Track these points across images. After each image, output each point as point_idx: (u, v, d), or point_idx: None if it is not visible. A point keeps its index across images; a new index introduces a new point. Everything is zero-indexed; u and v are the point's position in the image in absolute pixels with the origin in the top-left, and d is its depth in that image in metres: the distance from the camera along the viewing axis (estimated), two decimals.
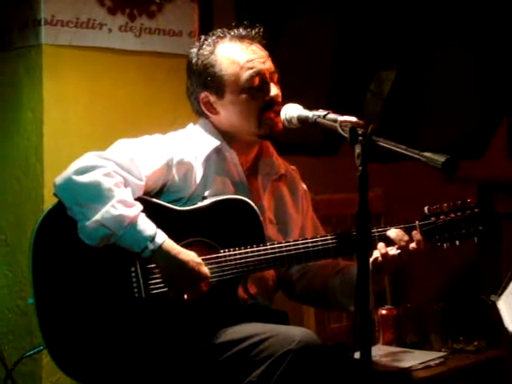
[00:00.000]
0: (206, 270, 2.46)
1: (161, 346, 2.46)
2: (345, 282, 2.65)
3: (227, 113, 2.63)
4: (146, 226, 2.41)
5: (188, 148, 2.61)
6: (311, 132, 3.37)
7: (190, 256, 2.45)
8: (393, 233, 2.53)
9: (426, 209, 2.60)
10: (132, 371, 2.46)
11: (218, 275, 2.49)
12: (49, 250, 2.46)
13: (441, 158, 1.98)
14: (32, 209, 3.20)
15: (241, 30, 2.65)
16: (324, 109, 2.47)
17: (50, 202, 2.56)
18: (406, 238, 2.52)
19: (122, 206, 2.39)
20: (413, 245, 2.51)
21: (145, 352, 2.45)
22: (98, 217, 2.37)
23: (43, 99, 3.16)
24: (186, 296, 2.47)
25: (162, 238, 2.42)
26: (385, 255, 2.49)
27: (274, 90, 2.62)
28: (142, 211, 2.43)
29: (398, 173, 4.23)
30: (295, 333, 2.34)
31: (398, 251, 2.50)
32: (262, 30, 2.66)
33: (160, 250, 2.41)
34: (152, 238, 2.40)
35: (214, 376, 2.43)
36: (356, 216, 2.03)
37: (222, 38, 2.65)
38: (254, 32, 2.65)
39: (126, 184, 2.46)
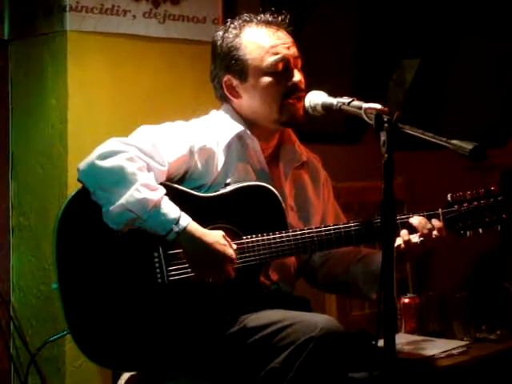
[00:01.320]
0: (231, 251, 2.46)
1: (183, 332, 2.47)
2: (367, 270, 2.65)
3: (249, 97, 2.64)
4: (170, 209, 2.41)
5: (210, 134, 2.61)
6: (334, 120, 3.36)
7: (215, 237, 2.45)
8: (415, 220, 2.52)
9: (449, 196, 2.59)
10: (154, 356, 2.47)
11: (241, 261, 2.49)
12: (73, 235, 2.47)
13: (469, 146, 1.96)
14: (56, 195, 3.21)
15: (267, 15, 2.66)
16: (347, 96, 2.46)
17: (73, 187, 2.58)
18: (429, 225, 2.52)
19: (146, 189, 2.40)
20: (435, 232, 2.51)
21: (167, 337, 2.47)
22: (122, 201, 2.38)
23: (67, 85, 3.17)
24: (211, 279, 2.47)
25: (186, 220, 2.42)
26: (407, 242, 2.49)
27: (298, 76, 2.62)
28: (166, 195, 2.44)
29: (420, 161, 4.21)
30: (318, 320, 2.35)
31: (421, 239, 2.50)
32: (288, 16, 2.66)
33: (185, 233, 2.41)
34: (176, 221, 2.40)
35: (237, 362, 2.44)
36: (381, 203, 2.02)
37: (248, 22, 2.65)
38: (280, 18, 2.66)
39: (149, 169, 2.47)
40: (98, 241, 2.47)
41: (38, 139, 3.30)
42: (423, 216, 2.55)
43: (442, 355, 3.11)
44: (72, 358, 3.18)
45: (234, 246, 2.48)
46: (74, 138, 3.19)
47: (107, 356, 2.47)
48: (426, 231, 2.50)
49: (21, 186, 3.37)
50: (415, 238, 2.51)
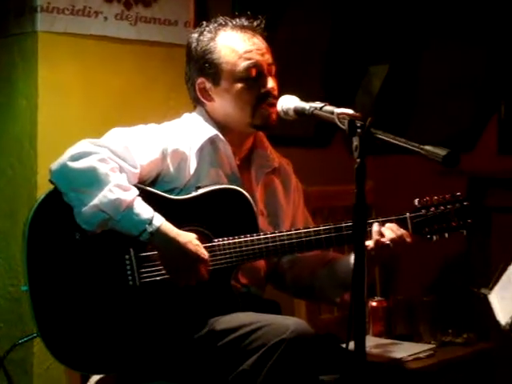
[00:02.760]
0: (204, 251, 2.47)
1: (154, 334, 2.47)
2: (332, 273, 2.68)
3: (222, 101, 2.64)
4: (143, 210, 2.42)
5: (182, 138, 2.62)
6: (303, 124, 3.38)
7: (188, 237, 2.46)
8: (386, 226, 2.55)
9: (416, 201, 2.62)
10: (124, 359, 2.47)
11: (212, 264, 2.50)
12: (43, 237, 2.46)
13: (442, 152, 1.98)
14: (25, 196, 3.20)
15: (243, 20, 2.67)
16: (318, 101, 2.48)
17: (43, 189, 2.57)
18: (396, 228, 2.54)
19: (119, 189, 2.40)
20: (400, 237, 2.53)
21: (138, 340, 2.47)
22: (95, 201, 2.38)
23: (38, 86, 3.16)
24: (185, 280, 2.47)
25: (159, 220, 2.42)
26: (377, 241, 2.50)
27: (271, 83, 2.64)
28: (138, 196, 2.44)
29: (388, 166, 4.25)
30: (288, 322, 2.36)
31: (388, 242, 2.52)
32: (263, 21, 2.67)
33: (158, 232, 2.41)
34: (150, 221, 2.40)
35: (208, 364, 2.44)
36: (353, 208, 2.04)
37: (223, 26, 2.66)
38: (255, 23, 2.67)
39: (121, 171, 2.47)
40: (69, 243, 2.46)
41: (7, 140, 3.28)
42: (391, 220, 2.58)
43: (410, 358, 3.14)
44: (40, 361, 3.16)
45: (205, 251, 2.48)
46: (43, 139, 3.17)
47: (77, 358, 2.46)
48: (393, 235, 2.53)
49: None
50: (384, 239, 2.53)
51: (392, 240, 2.51)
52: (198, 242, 2.46)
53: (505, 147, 5.07)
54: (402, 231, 2.54)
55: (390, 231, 2.52)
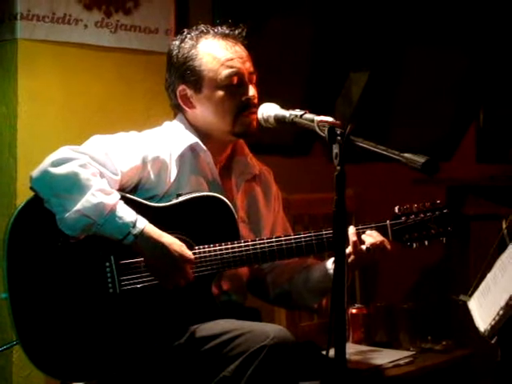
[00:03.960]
0: (189, 252, 2.48)
1: (134, 342, 2.47)
2: (309, 279, 2.70)
3: (203, 108, 2.65)
4: (127, 212, 2.42)
5: (163, 145, 2.62)
6: (282, 132, 3.39)
7: (172, 239, 2.47)
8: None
9: (396, 209, 2.64)
10: (105, 367, 2.47)
11: (193, 271, 2.50)
12: (23, 245, 2.46)
13: (421, 159, 2.00)
14: (5, 204, 3.18)
15: (224, 28, 2.68)
16: (298, 109, 2.49)
17: (22, 197, 2.56)
18: (376, 235, 2.56)
19: (102, 194, 2.40)
20: (380, 243, 2.55)
21: (118, 347, 2.46)
22: (78, 207, 2.38)
23: (17, 94, 3.14)
24: (172, 281, 2.47)
25: (143, 223, 2.43)
26: (355, 244, 2.52)
27: (252, 91, 2.65)
28: (120, 199, 2.44)
29: (368, 174, 4.27)
30: (269, 329, 2.37)
31: (369, 247, 2.54)
32: (245, 30, 2.68)
33: (142, 235, 2.42)
34: (133, 224, 2.41)
35: (189, 371, 2.44)
36: (333, 215, 2.05)
37: (205, 33, 2.67)
38: (237, 31, 2.68)
39: (102, 177, 2.47)
40: (49, 250, 2.46)
41: None
42: (371, 227, 2.59)
43: (390, 365, 3.15)
44: (19, 368, 3.14)
45: (190, 252, 2.48)
46: (23, 147, 3.16)
47: (57, 366, 2.46)
48: (374, 241, 2.54)
49: None
50: (363, 246, 2.55)
51: (372, 246, 2.53)
52: (181, 243, 2.47)
53: (483, 155, 5.11)
54: (381, 238, 2.55)
55: (370, 238, 2.54)
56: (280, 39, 4.03)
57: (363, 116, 4.47)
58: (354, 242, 2.52)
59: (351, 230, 2.55)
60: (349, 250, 2.52)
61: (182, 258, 2.45)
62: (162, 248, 2.44)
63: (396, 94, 4.66)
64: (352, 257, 2.52)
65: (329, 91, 4.37)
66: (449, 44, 4.72)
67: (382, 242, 2.54)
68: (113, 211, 2.40)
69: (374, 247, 2.53)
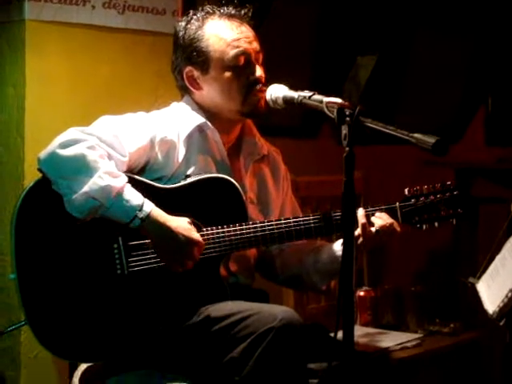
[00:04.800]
0: (197, 234, 2.47)
1: (143, 323, 2.47)
2: (318, 260, 2.70)
3: (210, 89, 2.64)
4: (134, 196, 2.41)
5: (171, 126, 2.61)
6: (291, 114, 3.38)
7: (179, 221, 2.46)
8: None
9: (406, 190, 2.63)
10: (113, 348, 2.47)
11: (201, 253, 2.50)
12: (32, 226, 2.46)
13: (431, 140, 1.98)
14: (12, 184, 3.18)
15: (230, 8, 2.66)
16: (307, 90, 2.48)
17: (30, 177, 2.57)
18: (386, 218, 2.55)
19: (109, 176, 2.39)
20: (390, 226, 2.54)
21: (126, 328, 2.46)
22: (85, 189, 2.37)
23: (25, 74, 3.14)
24: (180, 264, 2.46)
25: (149, 206, 2.42)
26: (364, 226, 2.51)
27: (259, 71, 2.64)
28: (128, 182, 2.44)
29: (377, 155, 4.26)
30: (277, 311, 2.37)
31: (377, 229, 2.53)
32: (251, 10, 2.67)
33: (149, 218, 2.41)
34: (140, 207, 2.40)
35: (197, 352, 2.44)
36: (342, 197, 2.04)
37: (211, 14, 2.66)
38: (243, 11, 2.66)
39: (110, 158, 2.46)
40: (57, 231, 2.45)
41: None
42: (381, 209, 2.59)
43: (397, 348, 3.16)
44: (27, 349, 3.15)
45: (197, 234, 2.47)
46: (31, 127, 3.16)
47: (66, 347, 2.46)
48: (383, 223, 2.54)
49: None
50: (372, 228, 2.54)
51: (381, 228, 2.52)
52: (189, 226, 2.46)
53: (492, 138, 5.09)
54: (391, 220, 2.55)
55: (379, 220, 2.54)
56: (287, 21, 4.01)
57: (370, 99, 4.46)
58: (363, 225, 2.51)
59: (360, 212, 2.54)
60: (358, 232, 2.51)
61: (188, 240, 2.45)
62: (169, 231, 2.43)
63: (404, 77, 4.65)
64: (361, 239, 2.52)
65: (336, 74, 4.36)
66: (457, 28, 4.70)
67: (391, 225, 2.54)
68: (120, 194, 2.39)
69: (384, 229, 2.52)
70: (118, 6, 3.34)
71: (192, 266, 2.47)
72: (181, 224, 2.46)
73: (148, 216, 2.41)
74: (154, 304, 2.48)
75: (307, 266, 2.72)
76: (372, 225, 2.54)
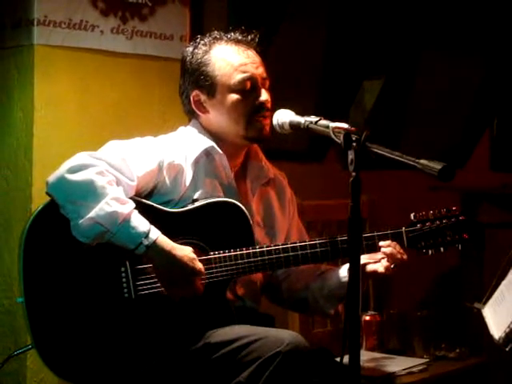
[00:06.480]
0: (200, 265, 2.48)
1: (150, 347, 2.47)
2: (325, 285, 2.70)
3: (217, 113, 2.66)
4: (140, 222, 2.42)
5: (178, 150, 2.63)
6: (297, 138, 3.39)
7: (184, 251, 2.47)
8: (385, 245, 2.58)
9: (412, 215, 2.64)
10: (120, 371, 2.47)
11: (208, 277, 2.51)
12: (40, 249, 2.47)
13: (437, 166, 1.99)
14: (20, 208, 3.19)
15: (237, 33, 2.69)
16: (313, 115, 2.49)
17: (38, 201, 2.57)
18: (393, 244, 2.56)
19: (116, 202, 2.41)
20: (396, 253, 2.55)
21: (133, 352, 2.47)
22: (92, 214, 2.38)
23: (34, 99, 3.15)
24: (180, 294, 2.47)
25: (155, 233, 2.43)
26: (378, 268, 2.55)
27: (265, 96, 2.66)
28: (135, 209, 2.45)
29: (382, 180, 4.27)
30: (284, 335, 2.37)
31: (384, 256, 2.54)
32: (257, 36, 2.69)
33: (154, 246, 2.42)
34: (146, 234, 2.41)
35: (204, 376, 2.45)
36: (348, 221, 2.05)
37: (218, 39, 2.68)
38: (250, 37, 2.69)
39: (118, 183, 2.48)
40: (65, 255, 2.47)
41: (2, 152, 3.27)
42: (387, 234, 2.60)
43: (403, 372, 3.15)
44: (33, 373, 3.14)
45: (201, 265, 2.49)
46: (39, 152, 3.17)
47: (72, 370, 2.46)
48: (389, 250, 2.55)
49: None
50: (379, 255, 2.55)
51: (389, 256, 2.53)
52: (193, 256, 2.47)
53: (497, 163, 5.10)
54: (398, 249, 2.55)
55: (388, 248, 2.55)
56: (293, 45, 4.03)
57: (377, 123, 4.47)
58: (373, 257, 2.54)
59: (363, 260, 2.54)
60: (365, 259, 2.52)
61: (191, 270, 2.46)
62: (173, 260, 2.44)
63: (410, 100, 4.65)
64: (368, 267, 2.53)
65: (342, 98, 4.37)
66: (463, 51, 4.71)
67: (399, 253, 2.55)
68: (126, 220, 2.41)
69: (392, 259, 2.54)
70: (126, 31, 3.36)
71: (191, 296, 2.47)
72: (186, 253, 2.46)
73: (153, 243, 2.42)
74: (161, 328, 2.49)
75: (314, 291, 2.73)
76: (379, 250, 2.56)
